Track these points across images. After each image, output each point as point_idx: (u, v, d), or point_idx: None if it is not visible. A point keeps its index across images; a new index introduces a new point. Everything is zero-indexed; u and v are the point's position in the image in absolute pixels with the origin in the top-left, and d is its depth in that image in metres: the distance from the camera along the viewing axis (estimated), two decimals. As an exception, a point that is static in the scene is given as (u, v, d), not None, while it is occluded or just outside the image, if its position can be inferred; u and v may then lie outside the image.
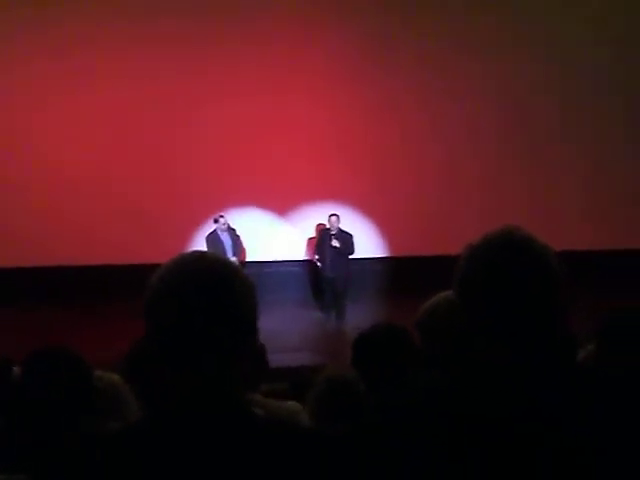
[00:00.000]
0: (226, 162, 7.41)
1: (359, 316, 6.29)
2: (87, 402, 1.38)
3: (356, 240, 6.93)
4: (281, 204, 7.66)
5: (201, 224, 7.32)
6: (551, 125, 7.21)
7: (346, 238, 6.68)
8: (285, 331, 5.67)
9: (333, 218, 6.73)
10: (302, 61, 7.04)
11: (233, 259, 5.92)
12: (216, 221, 6.69)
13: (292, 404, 1.83)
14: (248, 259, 7.34)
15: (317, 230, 7.45)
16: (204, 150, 7.33)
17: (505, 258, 0.88)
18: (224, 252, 6.33)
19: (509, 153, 7.25)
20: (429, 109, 7.24)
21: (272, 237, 7.71)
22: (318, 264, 6.83)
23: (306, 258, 7.31)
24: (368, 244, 7.64)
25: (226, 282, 0.84)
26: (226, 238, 6.73)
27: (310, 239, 7.64)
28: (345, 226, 6.89)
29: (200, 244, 6.69)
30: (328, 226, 6.80)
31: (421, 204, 7.49)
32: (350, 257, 6.73)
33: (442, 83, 7.17)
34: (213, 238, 6.61)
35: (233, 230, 6.96)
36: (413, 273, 7.07)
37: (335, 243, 6.59)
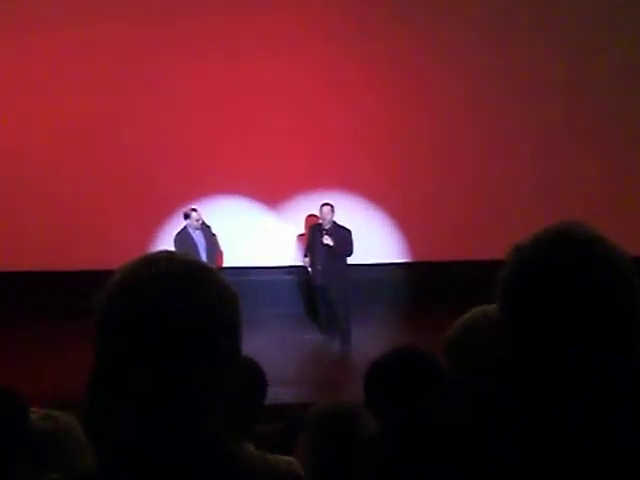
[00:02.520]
0: (199, 140, 7.55)
1: (370, 339, 6.37)
2: (23, 448, 1.39)
3: (369, 241, 7.05)
4: (271, 194, 7.81)
5: (167, 221, 7.52)
6: (617, 120, 7.39)
7: (342, 234, 6.69)
8: (274, 358, 5.69)
9: (325, 208, 6.74)
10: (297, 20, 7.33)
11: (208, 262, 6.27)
12: (187, 216, 6.80)
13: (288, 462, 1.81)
14: (227, 264, 7.46)
15: (307, 224, 7.60)
16: (171, 125, 7.51)
17: (563, 262, 0.86)
18: (197, 255, 6.31)
19: (566, 146, 7.44)
20: (462, 88, 7.44)
21: (259, 236, 7.86)
22: (308, 269, 6.93)
23: (300, 264, 7.45)
24: (383, 246, 7.78)
25: (201, 292, 0.84)
26: (199, 238, 6.87)
27: (300, 236, 7.81)
28: (352, 222, 6.95)
29: (166, 245, 6.79)
30: (320, 219, 6.84)
31: (450, 197, 7.64)
32: (349, 260, 6.80)
33: (483, 61, 7.37)
34: (183, 238, 6.75)
35: (208, 228, 7.09)
36: (441, 283, 7.22)
37: (327, 240, 6.60)
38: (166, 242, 7.06)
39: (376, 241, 7.73)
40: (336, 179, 7.68)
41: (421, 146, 7.57)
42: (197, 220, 6.78)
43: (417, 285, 7.55)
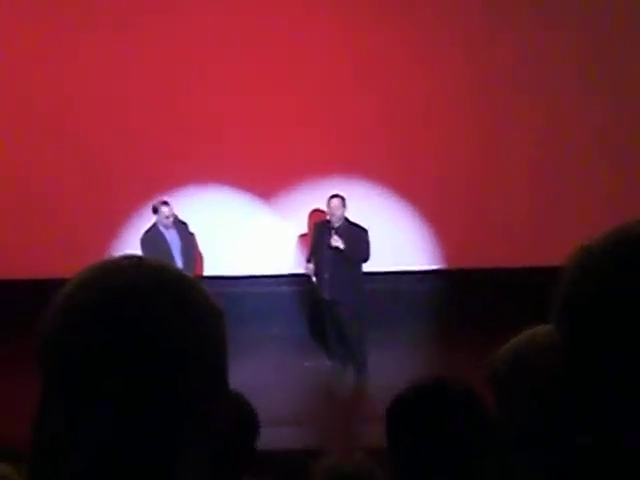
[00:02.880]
0: (172, 118, 7.69)
1: (392, 367, 6.41)
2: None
3: (389, 243, 7.10)
4: (264, 183, 7.87)
5: (133, 217, 7.64)
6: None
7: (355, 234, 6.73)
8: (268, 392, 5.72)
9: (335, 202, 6.78)
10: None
11: (184, 269, 6.41)
12: (156, 211, 6.88)
13: None
14: (208, 272, 7.56)
15: (310, 222, 7.66)
16: (139, 99, 7.72)
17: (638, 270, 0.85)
18: (170, 261, 6.41)
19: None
20: (510, 72, 7.75)
21: (249, 237, 7.92)
22: (312, 278, 7.00)
23: (302, 271, 7.51)
24: (407, 249, 7.85)
25: (176, 309, 0.84)
26: (173, 238, 6.94)
27: (302, 237, 7.91)
28: (368, 219, 6.96)
29: (131, 249, 6.87)
30: (327, 216, 6.88)
31: (492, 189, 7.78)
32: (364, 267, 6.86)
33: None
34: (152, 239, 6.82)
35: (184, 225, 7.15)
36: (479, 295, 7.31)
37: (336, 242, 6.64)
38: (131, 244, 7.15)
39: (398, 243, 7.80)
40: (347, 164, 7.73)
41: (460, 126, 7.77)
42: (167, 217, 6.82)
43: (450, 298, 7.64)
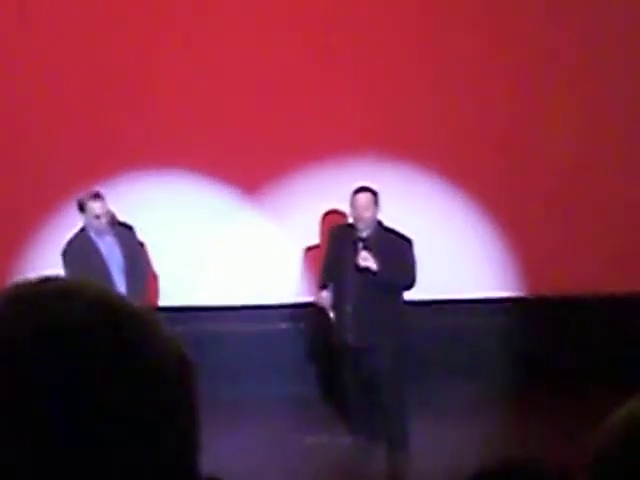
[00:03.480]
0: (110, 82, 7.90)
1: (443, 444, 6.57)
2: None
3: (445, 261, 7.39)
4: (253, 171, 7.97)
5: (51, 215, 7.74)
6: None
7: (394, 248, 6.76)
8: (263, 475, 5.91)
9: (363, 198, 6.77)
10: None
11: (129, 296, 6.41)
12: (82, 208, 6.81)
13: None
14: (168, 301, 7.64)
15: (324, 228, 7.70)
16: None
17: None
18: (108, 283, 6.39)
19: None
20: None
21: (229, 248, 7.99)
22: (329, 313, 7.03)
23: (307, 300, 7.55)
24: (471, 270, 7.98)
25: (122, 359, 0.88)
26: (110, 248, 6.93)
27: (310, 251, 7.95)
28: (412, 224, 7.03)
29: (51, 263, 6.74)
30: (351, 219, 6.88)
31: (586, 193, 8.07)
32: (407, 296, 6.94)
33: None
34: (80, 250, 6.81)
35: (127, 230, 7.15)
36: (578, 335, 7.56)
37: (365, 260, 6.63)
38: (49, 259, 7.07)
39: (458, 260, 7.94)
40: (380, 142, 7.81)
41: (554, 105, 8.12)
42: (99, 216, 6.76)
43: (530, 337, 7.75)
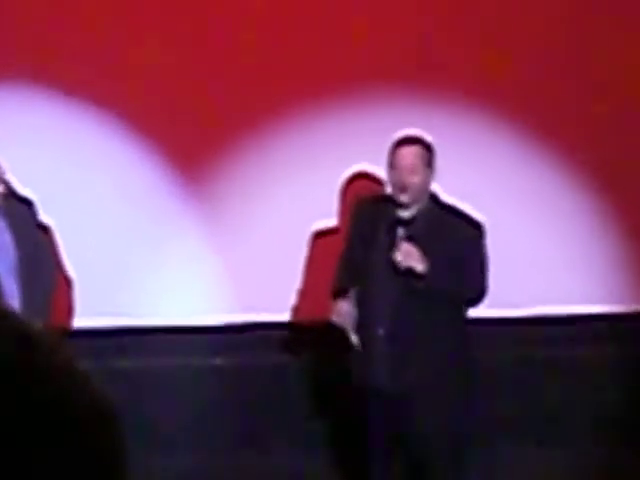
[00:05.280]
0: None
1: None
2: None
3: (529, 258, 6.99)
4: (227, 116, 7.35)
5: None
6: None
7: (455, 237, 6.03)
8: None
9: (407, 153, 5.96)
10: None
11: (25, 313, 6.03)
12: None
13: None
14: (90, 320, 7.06)
15: (344, 205, 7.28)
16: None
17: None
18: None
19: None
20: None
21: (189, 239, 7.44)
22: (351, 339, 6.25)
23: (324, 319, 6.57)
24: (577, 274, 7.39)
25: (8, 409, 0.83)
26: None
27: (320, 237, 7.60)
28: (472, 199, 6.49)
29: None
30: (389, 189, 6.17)
31: None
32: (476, 312, 6.19)
33: None
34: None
35: (26, 207, 6.72)
36: None
37: (409, 258, 5.81)
38: None
39: (549, 260, 7.24)
40: (429, 70, 7.18)
41: None
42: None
43: None
